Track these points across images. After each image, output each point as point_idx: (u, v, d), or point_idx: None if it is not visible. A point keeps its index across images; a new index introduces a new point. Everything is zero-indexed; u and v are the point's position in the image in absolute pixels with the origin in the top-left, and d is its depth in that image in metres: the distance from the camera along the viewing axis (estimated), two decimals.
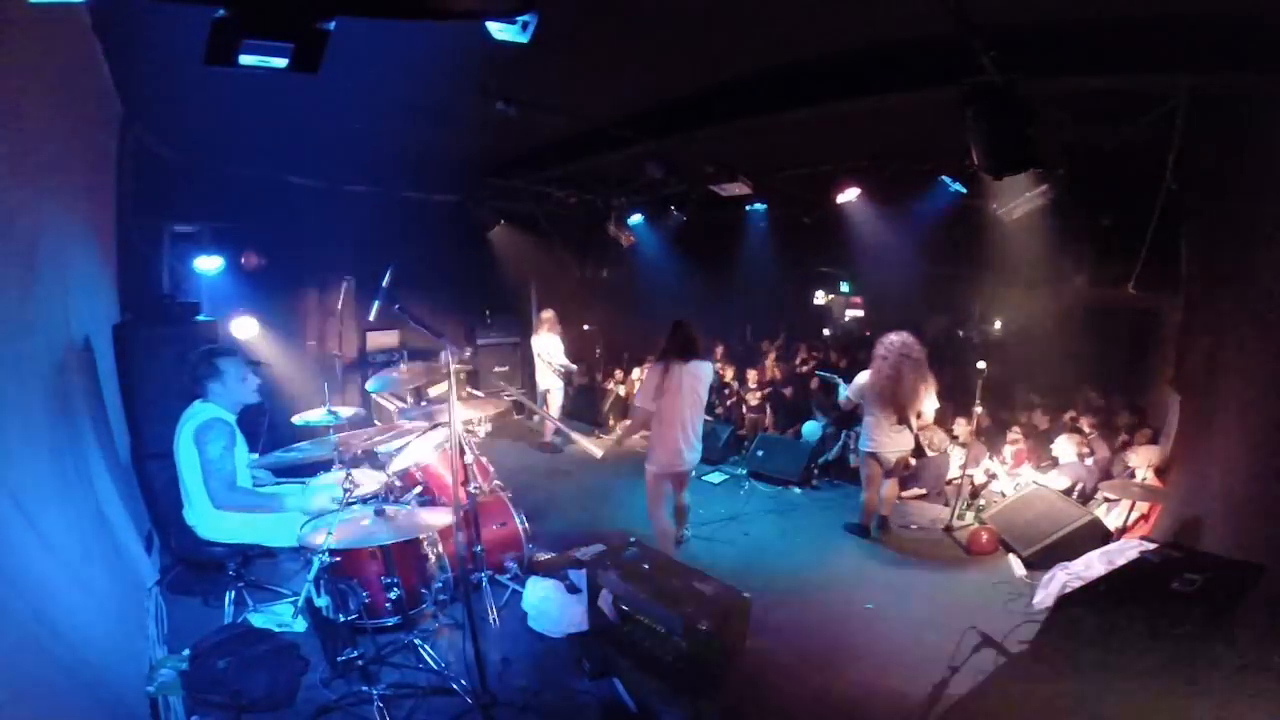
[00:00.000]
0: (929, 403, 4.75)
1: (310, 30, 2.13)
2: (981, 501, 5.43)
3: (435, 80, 3.81)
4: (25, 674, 1.65)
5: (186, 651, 2.69)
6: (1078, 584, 3.61)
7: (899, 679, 3.18)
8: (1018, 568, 4.44)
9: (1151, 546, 3.49)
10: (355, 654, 2.78)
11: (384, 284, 2.87)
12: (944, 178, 5.76)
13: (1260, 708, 1.88)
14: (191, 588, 3.57)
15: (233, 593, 3.24)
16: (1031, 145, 3.35)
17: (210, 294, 5.34)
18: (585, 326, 9.31)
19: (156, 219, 4.93)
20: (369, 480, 3.38)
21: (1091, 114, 4.08)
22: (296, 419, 3.84)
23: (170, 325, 4.37)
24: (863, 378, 4.81)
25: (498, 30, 2.34)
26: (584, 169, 6.47)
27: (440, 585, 3.49)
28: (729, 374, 8.35)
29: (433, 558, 3.55)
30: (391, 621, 3.11)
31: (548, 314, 7.37)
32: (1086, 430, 5.58)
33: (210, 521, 3.07)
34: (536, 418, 8.08)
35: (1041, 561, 4.29)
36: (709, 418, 7.51)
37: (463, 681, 2.87)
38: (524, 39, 2.35)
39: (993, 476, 5.57)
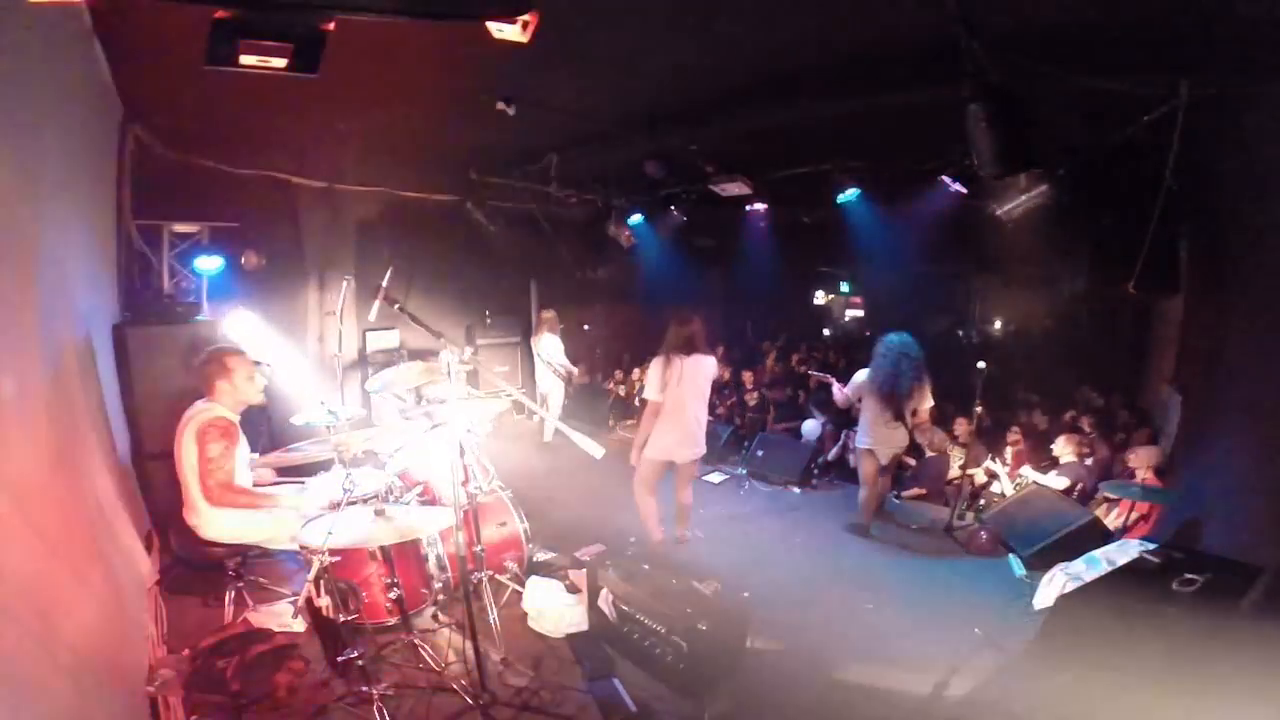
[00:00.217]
0: (925, 401, 4.81)
1: (310, 30, 2.14)
2: (981, 501, 5.43)
3: (435, 79, 3.82)
4: (25, 674, 1.65)
5: (186, 651, 2.69)
6: (1078, 584, 3.61)
7: (899, 679, 3.18)
8: (1018, 568, 4.44)
9: (1151, 546, 3.49)
10: (355, 654, 2.78)
11: (384, 284, 2.87)
12: (944, 178, 5.76)
13: (1261, 708, 1.88)
14: (191, 588, 3.57)
15: (233, 593, 3.24)
16: (1032, 145, 3.35)
17: (210, 294, 5.33)
18: (585, 326, 9.31)
19: (156, 219, 4.93)
20: (369, 480, 3.38)
21: (1092, 114, 4.08)
22: (296, 419, 3.84)
23: (170, 325, 4.37)
24: (862, 375, 4.86)
25: (498, 30, 2.34)
26: (584, 169, 6.47)
27: (440, 585, 3.50)
28: (728, 374, 8.36)
29: (433, 558, 3.56)
30: (391, 621, 3.12)
31: (548, 314, 7.37)
32: (1086, 430, 5.58)
33: (211, 521, 3.08)
34: (536, 418, 8.09)
35: (1041, 561, 4.29)
36: (709, 418, 7.52)
37: (463, 681, 2.87)
38: (524, 39, 2.35)
39: (994, 476, 5.57)
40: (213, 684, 2.64)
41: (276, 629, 3.09)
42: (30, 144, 2.46)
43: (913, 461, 6.09)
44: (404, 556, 3.05)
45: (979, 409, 5.29)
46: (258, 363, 3.41)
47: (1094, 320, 6.76)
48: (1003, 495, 5.30)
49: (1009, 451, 5.72)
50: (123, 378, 4.02)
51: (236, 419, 3.19)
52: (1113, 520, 4.49)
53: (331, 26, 2.16)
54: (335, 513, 2.77)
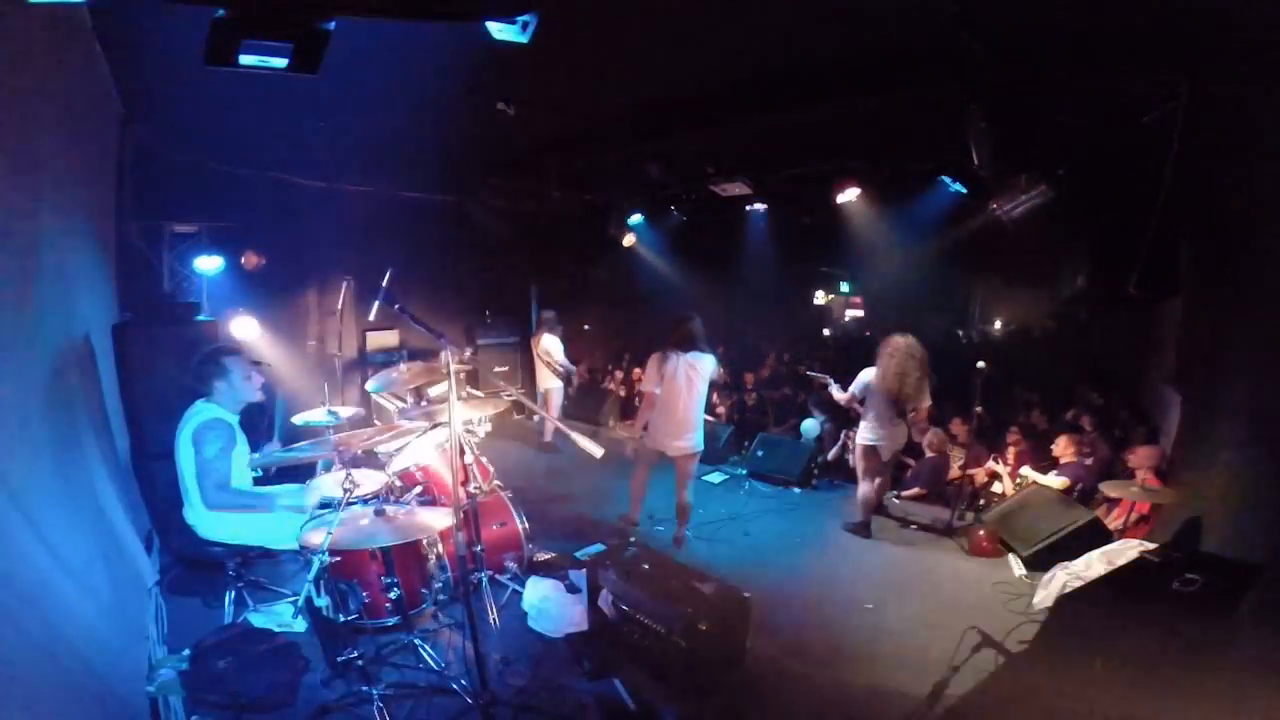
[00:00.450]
0: (925, 399, 4.88)
1: (310, 30, 2.14)
2: (981, 501, 5.43)
3: (435, 80, 3.81)
4: (25, 674, 1.65)
5: (186, 651, 2.69)
6: (1078, 584, 3.61)
7: (899, 679, 3.18)
8: (1018, 568, 4.44)
9: (1151, 546, 3.49)
10: (355, 654, 2.78)
11: (384, 284, 2.87)
12: (944, 178, 5.76)
13: (1261, 708, 1.88)
14: (191, 588, 3.57)
15: (233, 593, 3.24)
16: (1032, 145, 3.35)
17: (210, 294, 5.34)
18: (585, 326, 9.31)
19: (156, 219, 4.93)
20: (369, 480, 3.38)
21: (1092, 114, 4.08)
22: (296, 419, 3.84)
23: (170, 325, 4.37)
24: (868, 373, 4.91)
25: (498, 30, 2.34)
26: (584, 169, 6.47)
27: (440, 585, 3.49)
28: (728, 374, 8.37)
29: (433, 558, 3.55)
30: (391, 621, 3.11)
31: (548, 314, 7.36)
32: (1087, 429, 5.58)
33: (210, 521, 3.08)
34: (536, 418, 8.08)
35: (1041, 561, 4.29)
36: (710, 418, 7.53)
37: (463, 681, 2.87)
38: (524, 39, 2.35)
39: (995, 477, 5.57)
40: (213, 684, 2.64)
41: (276, 629, 3.09)
42: (30, 144, 2.46)
43: (912, 461, 6.10)
44: (404, 556, 3.04)
45: (979, 409, 5.29)
46: (256, 363, 3.41)
47: (1094, 320, 6.75)
48: (1003, 495, 5.30)
49: (1011, 452, 5.72)
50: (123, 378, 4.02)
51: (235, 419, 3.19)
52: (1113, 520, 4.49)
53: (331, 26, 2.16)
54: (335, 513, 2.77)
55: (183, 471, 3.05)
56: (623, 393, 8.65)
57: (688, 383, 4.35)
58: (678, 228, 8.28)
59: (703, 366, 4.40)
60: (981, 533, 4.73)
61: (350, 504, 2.91)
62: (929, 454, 5.86)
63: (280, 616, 3.31)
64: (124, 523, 3.32)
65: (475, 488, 3.62)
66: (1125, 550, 3.76)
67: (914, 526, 5.24)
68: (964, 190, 5.83)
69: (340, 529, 2.68)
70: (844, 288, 11.76)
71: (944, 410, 6.02)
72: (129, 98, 4.13)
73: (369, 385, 3.95)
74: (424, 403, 5.98)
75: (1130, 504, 4.33)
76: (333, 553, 2.73)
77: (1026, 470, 5.39)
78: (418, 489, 3.82)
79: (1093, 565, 3.79)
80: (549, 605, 3.58)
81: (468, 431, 4.28)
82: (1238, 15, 2.85)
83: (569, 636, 3.44)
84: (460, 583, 2.82)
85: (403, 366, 3.92)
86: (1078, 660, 2.38)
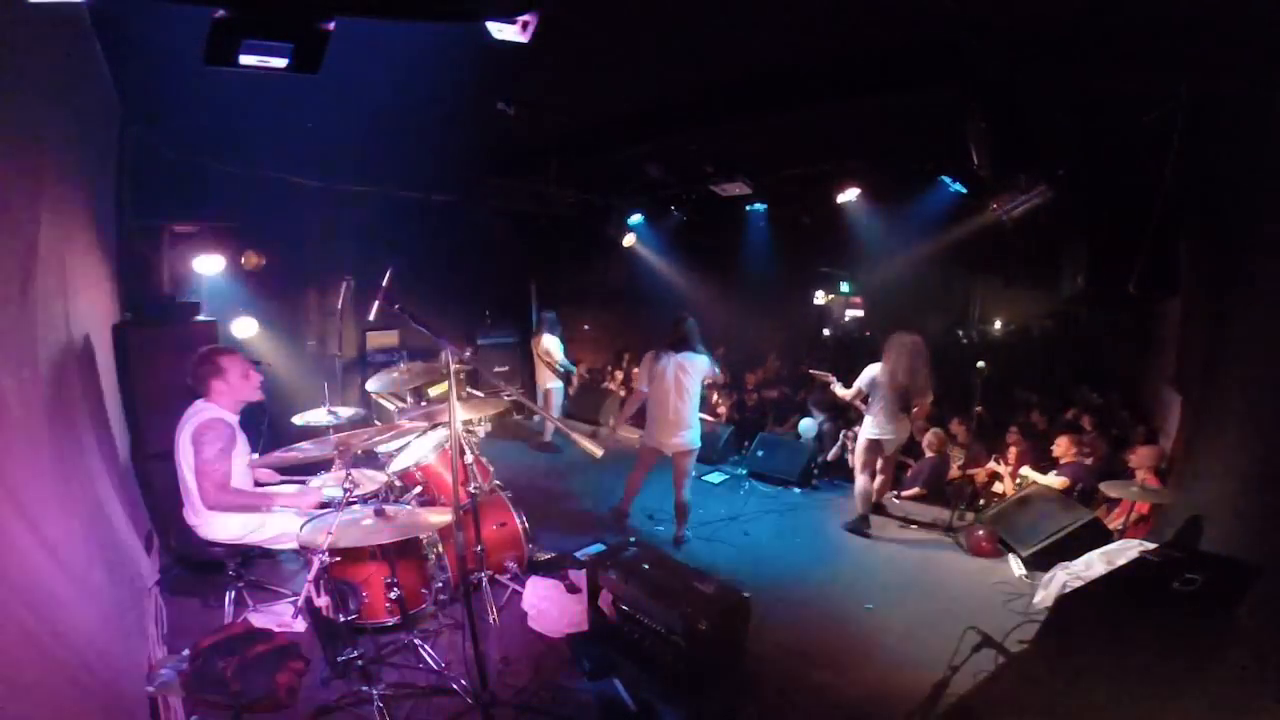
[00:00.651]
0: (928, 396, 4.97)
1: (310, 30, 2.14)
2: (981, 501, 5.43)
3: (435, 79, 3.81)
4: (25, 674, 1.65)
5: (186, 651, 2.69)
6: (1078, 584, 3.61)
7: (899, 679, 3.18)
8: (1018, 568, 4.44)
9: (1151, 546, 3.49)
10: (355, 654, 2.78)
11: (384, 284, 2.87)
12: (944, 178, 5.76)
13: (1260, 708, 1.88)
14: (191, 588, 3.57)
15: (233, 593, 3.24)
16: (1032, 145, 3.35)
17: (210, 294, 5.33)
18: (585, 326, 9.31)
19: (156, 219, 4.92)
20: (369, 480, 3.38)
21: (1092, 114, 4.08)
22: (296, 419, 3.84)
23: (170, 325, 4.36)
24: (874, 369, 5.01)
25: (498, 30, 2.35)
26: (584, 169, 6.47)
27: (440, 585, 3.50)
28: (728, 374, 8.36)
29: (433, 558, 3.55)
30: (391, 621, 3.12)
31: (548, 314, 7.37)
32: (1087, 429, 5.58)
33: (210, 522, 3.08)
34: (536, 418, 8.08)
35: (1041, 561, 4.29)
36: (710, 418, 7.53)
37: (463, 681, 2.87)
38: (524, 39, 2.36)
39: (996, 477, 5.57)
40: (213, 684, 2.63)
41: (276, 629, 3.09)
42: (30, 144, 2.46)
43: (912, 461, 6.10)
44: (404, 556, 3.04)
45: (979, 409, 5.30)
46: (256, 362, 3.41)
47: (1094, 320, 6.74)
48: (1003, 495, 5.30)
49: (1011, 452, 5.72)
50: (123, 378, 4.01)
51: (234, 419, 3.18)
52: (1113, 520, 4.49)
53: (331, 26, 2.16)
54: (335, 513, 2.77)
55: (183, 471, 3.05)
56: (623, 393, 8.64)
57: (676, 382, 4.47)
58: (678, 228, 8.27)
59: (694, 366, 4.51)
60: (981, 533, 4.73)
61: (350, 504, 2.91)
62: (929, 454, 5.86)
63: (280, 616, 3.31)
64: (124, 523, 3.32)
65: (475, 488, 3.62)
66: (1125, 550, 3.77)
67: (914, 526, 5.25)
68: (964, 190, 5.84)
69: (340, 529, 2.68)
70: (844, 288, 11.73)
71: (944, 410, 6.02)
72: (129, 98, 4.13)
73: (369, 385, 3.96)
74: (424, 403, 5.99)
75: (1130, 504, 4.33)
76: (333, 553, 2.73)
77: (1026, 470, 5.40)
78: (418, 489, 3.82)
79: (1093, 565, 3.79)
80: (549, 605, 3.58)
81: (468, 431, 4.29)
82: (1238, 15, 2.85)
83: (569, 636, 3.44)
84: (460, 583, 2.82)
85: (403, 366, 3.94)
86: (1078, 660, 2.38)
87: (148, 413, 3.99)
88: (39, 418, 2.39)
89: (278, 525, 3.13)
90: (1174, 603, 2.33)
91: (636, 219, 7.93)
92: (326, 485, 3.32)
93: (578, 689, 3.04)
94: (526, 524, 3.96)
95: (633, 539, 3.78)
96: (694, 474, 4.79)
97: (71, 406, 2.97)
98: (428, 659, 3.05)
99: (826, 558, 4.73)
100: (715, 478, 6.40)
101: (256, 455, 3.54)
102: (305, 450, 3.27)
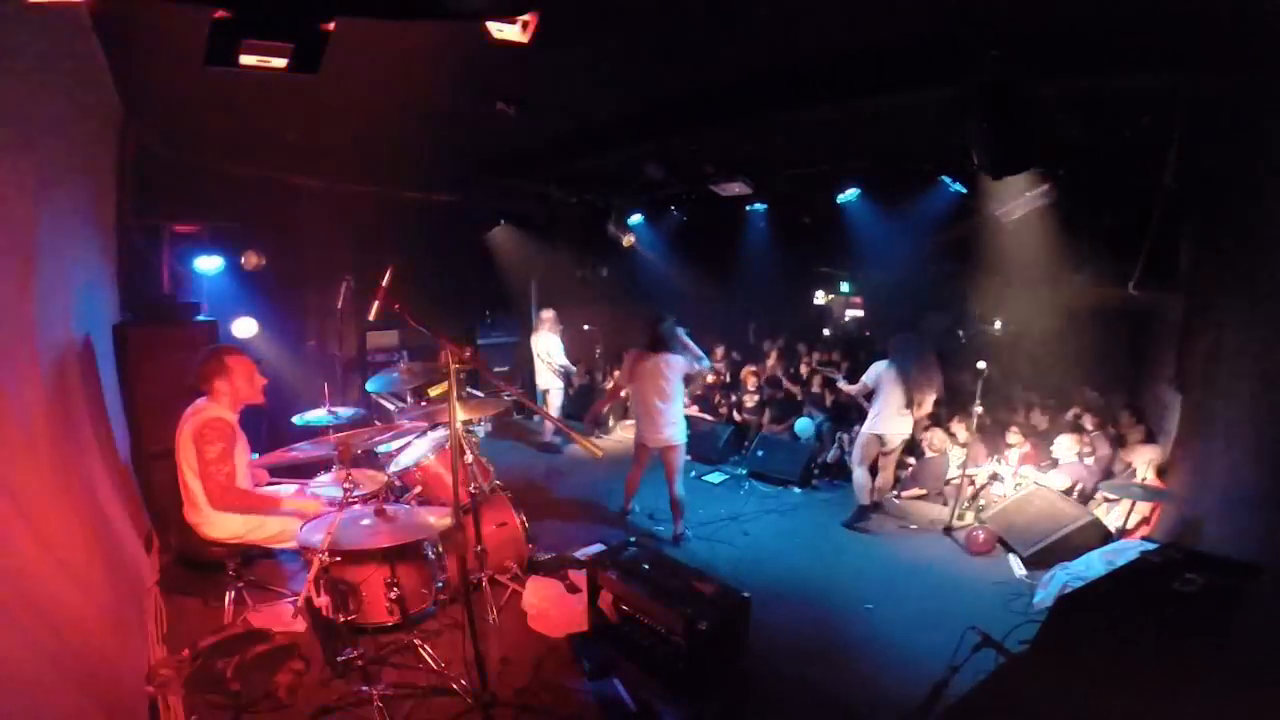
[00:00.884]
0: (932, 394, 5.07)
1: (310, 30, 2.13)
2: (981, 501, 5.43)
3: (435, 79, 3.81)
4: (25, 674, 1.65)
5: (186, 651, 2.69)
6: (1078, 584, 3.61)
7: (899, 679, 3.18)
8: (1018, 568, 4.44)
9: (1152, 546, 3.48)
10: (355, 654, 2.78)
11: (384, 283, 2.87)
12: (944, 178, 5.76)
13: (1260, 708, 1.88)
14: (191, 588, 3.57)
15: (233, 593, 3.24)
16: (1032, 145, 3.35)
17: (210, 294, 5.33)
18: (585, 326, 9.30)
19: (156, 219, 4.92)
20: (369, 480, 3.38)
21: (1092, 114, 4.08)
22: (296, 419, 3.83)
23: (170, 325, 4.37)
24: (880, 366, 5.12)
25: (498, 30, 2.34)
26: (584, 169, 6.47)
27: (440, 585, 3.49)
28: (727, 374, 8.36)
29: (433, 558, 3.55)
30: (391, 622, 3.11)
31: (548, 314, 7.37)
32: (1088, 429, 5.57)
33: (212, 521, 3.07)
34: (536, 418, 8.08)
35: (1041, 561, 4.29)
36: (710, 417, 7.52)
37: (463, 681, 2.87)
38: (524, 39, 2.35)
39: (996, 478, 5.56)
40: (213, 684, 2.64)
41: (276, 629, 3.09)
42: (30, 144, 2.45)
43: (913, 461, 6.09)
44: (404, 556, 3.04)
45: (979, 409, 5.29)
46: (258, 362, 3.41)
47: (1094, 320, 6.73)
48: (1003, 495, 5.30)
49: (1014, 453, 5.71)
50: (123, 378, 4.02)
51: (235, 419, 3.18)
52: (1113, 520, 4.49)
53: (331, 26, 2.16)
54: (335, 513, 2.77)
55: (185, 471, 3.05)
56: (623, 394, 8.64)
57: (653, 383, 4.60)
58: (678, 228, 8.27)
59: (666, 366, 4.60)
60: (981, 533, 4.73)
61: (350, 504, 2.91)
62: (929, 454, 5.86)
63: (280, 616, 3.31)
64: (124, 523, 3.32)
65: (475, 488, 3.62)
66: (1125, 550, 3.76)
67: (914, 526, 5.25)
68: (964, 190, 5.83)
69: (340, 529, 2.68)
70: (844, 288, 11.71)
71: (944, 410, 6.01)
72: (129, 98, 4.13)
73: (369, 385, 3.96)
74: (424, 403, 5.99)
75: (1130, 504, 4.33)
76: (333, 553, 2.73)
77: (1027, 470, 5.39)
78: (417, 489, 3.82)
79: (1093, 565, 3.79)
80: (549, 605, 3.58)
81: (468, 431, 4.29)
82: (1238, 14, 2.85)
83: (569, 636, 3.44)
84: (460, 583, 2.82)
85: (403, 366, 3.94)
86: (1078, 660, 2.38)
87: (148, 412, 4.00)
88: (39, 418, 2.39)
89: (278, 524, 3.13)
90: (1174, 603, 2.33)
91: (636, 219, 7.92)
92: (327, 486, 3.31)
93: (578, 689, 3.04)
94: (526, 524, 3.96)
95: (633, 539, 3.78)
96: (690, 471, 4.87)
97: (71, 406, 2.97)
98: (428, 659, 3.05)
99: (826, 557, 4.73)
100: (715, 478, 6.40)
101: (256, 455, 3.55)
102: (305, 450, 3.27)
